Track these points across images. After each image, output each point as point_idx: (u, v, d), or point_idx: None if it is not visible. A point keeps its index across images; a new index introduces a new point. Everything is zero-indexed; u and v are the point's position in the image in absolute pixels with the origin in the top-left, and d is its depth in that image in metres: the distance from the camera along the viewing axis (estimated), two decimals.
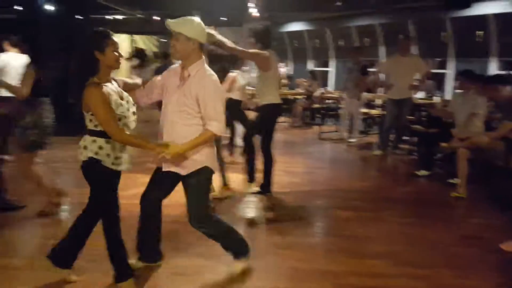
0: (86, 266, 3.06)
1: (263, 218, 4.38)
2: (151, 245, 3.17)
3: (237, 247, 3.15)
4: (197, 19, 2.80)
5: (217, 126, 2.77)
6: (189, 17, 2.80)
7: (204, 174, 2.90)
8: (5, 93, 5.71)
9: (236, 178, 5.20)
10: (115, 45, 2.72)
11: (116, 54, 2.73)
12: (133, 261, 3.05)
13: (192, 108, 2.76)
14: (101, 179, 2.78)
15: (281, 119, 10.79)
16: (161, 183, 3.03)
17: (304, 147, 7.89)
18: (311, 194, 5.12)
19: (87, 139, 2.72)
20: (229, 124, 6.26)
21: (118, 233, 2.88)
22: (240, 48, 4.31)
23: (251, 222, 4.29)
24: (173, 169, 2.88)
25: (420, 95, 8.14)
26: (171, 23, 2.74)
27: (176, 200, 3.96)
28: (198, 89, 2.73)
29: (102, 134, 2.68)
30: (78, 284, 2.94)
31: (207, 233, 3.06)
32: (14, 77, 5.83)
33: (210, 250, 3.51)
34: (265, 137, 4.76)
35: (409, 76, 6.88)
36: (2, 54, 5.79)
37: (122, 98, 2.76)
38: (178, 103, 2.78)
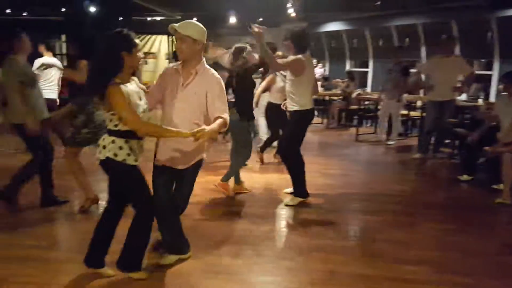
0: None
1: (298, 219, 4.35)
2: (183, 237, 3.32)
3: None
4: (198, 23, 2.98)
5: (228, 117, 2.97)
6: (192, 21, 2.98)
7: (199, 165, 3.17)
8: (51, 94, 6.00)
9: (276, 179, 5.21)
10: (139, 47, 2.82)
11: (140, 56, 2.85)
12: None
13: (198, 104, 2.96)
14: (125, 177, 2.87)
15: (316, 120, 10.76)
16: (166, 181, 3.12)
17: (340, 149, 7.79)
18: (346, 196, 5.04)
19: (106, 138, 2.80)
20: (270, 127, 6.25)
21: (151, 227, 2.97)
22: (276, 60, 4.38)
23: (286, 224, 4.28)
24: (174, 164, 3.04)
25: (463, 97, 7.86)
26: (177, 26, 2.88)
27: (205, 198, 4.01)
28: (207, 86, 2.96)
29: (121, 134, 2.75)
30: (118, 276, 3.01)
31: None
32: (53, 79, 6.12)
33: (240, 249, 3.54)
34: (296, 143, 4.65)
35: (451, 78, 6.66)
36: (39, 58, 6.09)
37: (140, 99, 2.84)
38: (186, 100, 2.95)
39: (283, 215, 4.44)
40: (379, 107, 8.85)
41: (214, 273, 3.17)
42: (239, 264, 3.31)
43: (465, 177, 5.70)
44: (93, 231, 3.06)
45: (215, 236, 3.81)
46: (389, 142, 8.11)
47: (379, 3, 9.47)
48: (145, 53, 14.24)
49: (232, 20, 12.39)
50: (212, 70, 3.04)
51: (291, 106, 4.55)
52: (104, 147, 2.79)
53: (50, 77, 6.06)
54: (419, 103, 8.78)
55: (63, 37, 6.70)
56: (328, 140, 8.65)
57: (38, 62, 6.02)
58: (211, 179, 5.50)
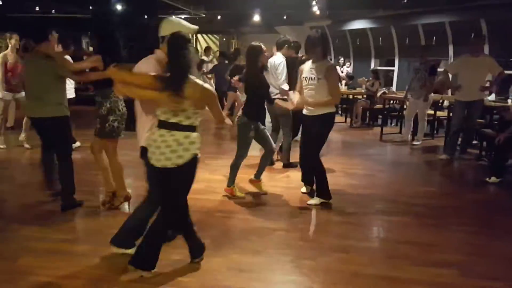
0: None
1: (321, 219, 4.33)
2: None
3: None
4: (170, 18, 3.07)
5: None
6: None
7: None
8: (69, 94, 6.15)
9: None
10: None
11: None
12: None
13: None
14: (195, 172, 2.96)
15: (340, 119, 10.67)
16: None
17: (364, 148, 7.70)
18: (370, 197, 4.98)
19: (191, 135, 2.85)
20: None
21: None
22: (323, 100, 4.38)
23: (309, 224, 4.26)
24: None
25: (492, 97, 7.66)
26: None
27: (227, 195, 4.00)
28: None
29: (196, 129, 2.89)
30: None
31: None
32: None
33: (263, 247, 3.54)
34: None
35: (480, 77, 6.51)
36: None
37: None
38: None
39: (306, 214, 4.42)
40: (404, 106, 8.71)
41: (238, 270, 3.19)
42: (261, 262, 3.32)
43: (493, 179, 5.56)
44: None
45: (237, 234, 3.82)
46: (415, 143, 7.98)
47: (405, 0, 9.32)
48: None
49: (256, 18, 12.40)
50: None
51: (313, 110, 4.45)
52: (192, 143, 2.85)
53: None
54: (446, 103, 8.60)
55: (89, 34, 6.87)
56: (352, 139, 8.57)
57: None
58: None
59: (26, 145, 6.69)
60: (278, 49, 5.94)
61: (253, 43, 4.66)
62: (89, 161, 6.20)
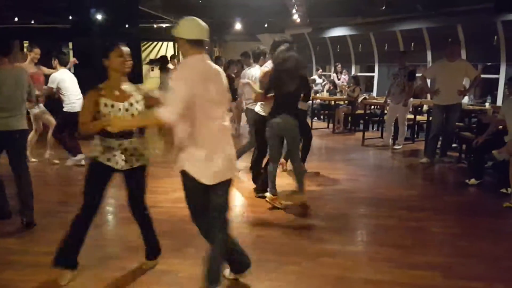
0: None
1: (305, 224, 4.35)
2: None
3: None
4: (190, 18, 2.74)
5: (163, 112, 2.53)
6: (184, 19, 2.77)
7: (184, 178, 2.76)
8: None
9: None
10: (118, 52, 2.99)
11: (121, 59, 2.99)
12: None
13: None
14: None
15: (323, 124, 10.77)
16: None
17: (346, 153, 7.78)
18: (354, 201, 5.04)
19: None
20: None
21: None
22: None
23: (293, 229, 4.28)
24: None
25: (466, 100, 7.82)
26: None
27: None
28: None
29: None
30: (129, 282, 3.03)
31: None
32: (74, 91, 6.21)
33: (248, 253, 3.54)
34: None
35: (457, 81, 6.66)
36: (56, 74, 6.19)
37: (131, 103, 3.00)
38: None
39: (290, 220, 4.44)
40: (385, 111, 8.85)
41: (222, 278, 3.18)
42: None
43: (472, 181, 5.68)
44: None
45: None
46: (396, 147, 8.10)
47: (384, 8, 9.48)
48: (151, 60, 14.34)
49: (238, 26, 12.47)
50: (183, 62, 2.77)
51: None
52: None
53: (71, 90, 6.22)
54: (425, 107, 8.76)
55: (70, 45, 6.82)
56: (334, 145, 8.65)
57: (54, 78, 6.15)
58: None
59: (55, 161, 6.56)
60: (255, 60, 5.76)
61: (277, 38, 4.73)
62: (72, 172, 6.16)
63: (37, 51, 6.18)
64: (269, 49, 4.93)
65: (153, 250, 3.36)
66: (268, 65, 5.02)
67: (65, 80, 6.12)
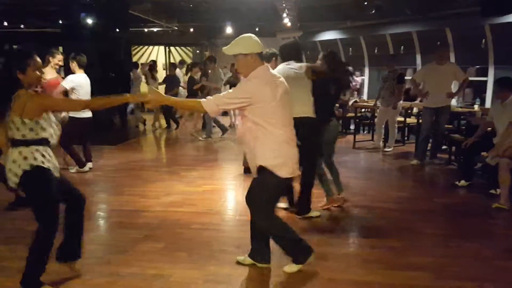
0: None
1: (296, 227, 4.36)
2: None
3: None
4: (247, 35, 3.16)
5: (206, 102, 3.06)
6: (241, 37, 3.17)
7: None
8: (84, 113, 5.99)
9: None
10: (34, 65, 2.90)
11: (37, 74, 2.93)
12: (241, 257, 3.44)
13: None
14: None
15: None
16: None
17: (337, 156, 7.70)
18: (346, 204, 5.05)
19: None
20: None
21: None
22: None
23: None
24: None
25: (454, 102, 7.90)
26: (226, 49, 3.12)
27: (203, 207, 4.02)
28: None
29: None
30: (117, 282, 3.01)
31: None
32: (87, 97, 6.10)
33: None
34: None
35: (446, 84, 6.74)
36: (73, 76, 6.05)
37: None
38: None
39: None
40: (375, 114, 8.90)
41: (215, 282, 3.18)
42: (239, 273, 3.32)
43: (462, 182, 5.73)
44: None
45: (214, 245, 3.81)
46: (387, 149, 8.15)
47: (373, 12, 9.57)
48: (142, 64, 14.32)
49: (228, 30, 12.49)
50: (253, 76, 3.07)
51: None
52: None
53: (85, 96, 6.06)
54: (415, 110, 8.84)
55: (61, 49, 6.79)
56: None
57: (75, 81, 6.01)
58: (208, 188, 5.55)
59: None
60: (266, 62, 5.84)
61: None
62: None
63: (59, 57, 5.99)
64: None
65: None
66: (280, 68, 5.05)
67: (82, 85, 5.98)
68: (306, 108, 4.19)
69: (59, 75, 6.04)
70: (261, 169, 3.07)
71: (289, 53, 4.49)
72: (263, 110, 2.96)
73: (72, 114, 5.86)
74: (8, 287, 3.08)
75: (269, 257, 3.37)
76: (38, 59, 2.92)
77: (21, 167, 2.83)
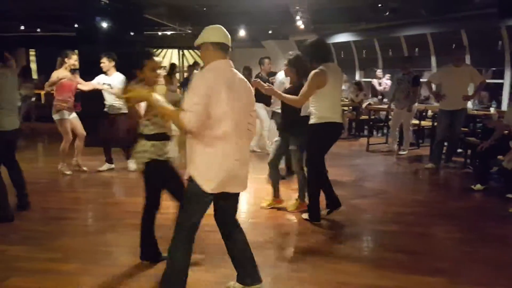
0: None
1: (310, 230, 4.34)
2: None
3: None
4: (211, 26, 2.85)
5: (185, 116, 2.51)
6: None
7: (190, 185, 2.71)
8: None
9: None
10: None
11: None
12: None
13: None
14: None
15: None
16: None
17: (351, 159, 7.77)
18: (359, 207, 5.02)
19: None
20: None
21: None
22: (293, 98, 4.20)
23: (297, 234, 4.27)
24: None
25: (469, 105, 7.80)
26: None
27: None
28: None
29: None
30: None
31: None
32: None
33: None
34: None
35: (463, 87, 6.65)
36: (105, 76, 6.23)
37: None
38: None
39: (297, 227, 4.43)
40: (389, 117, 8.83)
41: (220, 283, 3.18)
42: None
43: (478, 186, 5.65)
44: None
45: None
46: (401, 152, 8.08)
47: (387, 13, 9.49)
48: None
49: (242, 33, 12.52)
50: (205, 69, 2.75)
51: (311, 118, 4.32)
52: None
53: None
54: (430, 113, 8.74)
55: (76, 53, 6.89)
56: (338, 150, 8.60)
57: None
58: None
59: (84, 168, 6.51)
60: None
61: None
62: (79, 179, 6.19)
63: (75, 57, 6.03)
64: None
65: None
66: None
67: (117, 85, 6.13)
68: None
69: (74, 76, 6.08)
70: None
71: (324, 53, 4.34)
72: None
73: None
74: None
75: (259, 275, 2.99)
76: (157, 60, 3.21)
77: None
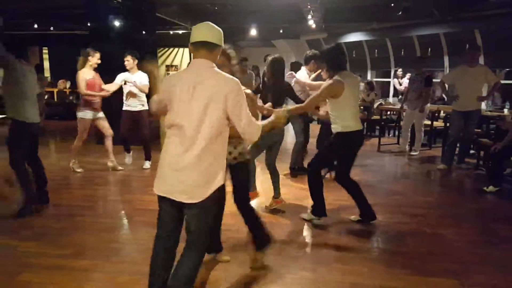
0: None
1: (319, 230, 4.32)
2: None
3: None
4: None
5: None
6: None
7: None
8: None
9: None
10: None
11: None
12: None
13: None
14: None
15: None
16: None
17: (362, 159, 7.69)
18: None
19: None
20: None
21: None
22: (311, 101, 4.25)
23: (307, 234, 4.25)
24: None
25: (486, 106, 7.71)
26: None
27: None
28: None
29: None
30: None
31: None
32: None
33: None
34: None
35: (476, 87, 6.57)
36: (128, 74, 6.31)
37: None
38: None
39: (305, 226, 4.42)
40: (401, 117, 8.76)
41: (236, 283, 3.18)
42: (260, 274, 3.31)
43: (490, 188, 5.58)
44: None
45: (235, 246, 3.81)
46: (413, 153, 8.01)
47: (400, 13, 9.42)
48: (167, 66, 14.49)
49: (253, 32, 12.52)
50: None
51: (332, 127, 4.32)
52: None
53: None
54: (442, 113, 8.66)
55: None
56: None
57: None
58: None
59: (120, 167, 6.55)
60: (305, 64, 6.32)
61: (276, 55, 4.97)
62: (91, 176, 6.24)
63: (97, 55, 6.06)
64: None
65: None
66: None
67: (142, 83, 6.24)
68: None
69: (96, 74, 6.13)
70: None
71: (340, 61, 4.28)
72: None
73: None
74: (36, 283, 3.15)
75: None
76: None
77: None
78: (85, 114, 6.08)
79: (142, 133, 6.49)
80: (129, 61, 6.23)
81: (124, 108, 6.39)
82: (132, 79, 6.24)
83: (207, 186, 2.43)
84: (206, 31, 2.47)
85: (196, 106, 2.37)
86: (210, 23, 2.49)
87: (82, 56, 6.04)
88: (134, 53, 6.27)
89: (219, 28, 2.50)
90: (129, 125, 6.40)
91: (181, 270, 2.52)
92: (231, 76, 2.46)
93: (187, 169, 2.40)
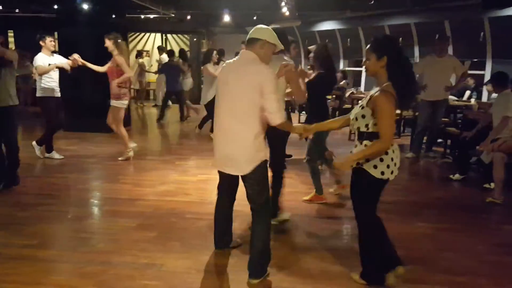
0: None
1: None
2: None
3: None
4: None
5: None
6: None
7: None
8: None
9: None
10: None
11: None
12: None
13: None
14: None
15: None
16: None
17: (333, 148, 7.71)
18: (337, 196, 5.03)
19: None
20: None
21: None
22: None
23: (283, 225, 4.28)
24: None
25: (453, 96, 7.89)
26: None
27: (198, 197, 3.99)
28: None
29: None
30: (110, 277, 3.00)
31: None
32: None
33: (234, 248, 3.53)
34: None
35: (445, 77, 6.71)
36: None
37: None
38: None
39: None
40: None
41: (208, 272, 3.18)
42: (232, 263, 3.32)
43: (457, 176, 5.74)
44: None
45: (208, 235, 3.79)
46: None
47: (372, 2, 9.49)
48: (139, 51, 14.20)
49: (226, 18, 12.38)
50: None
51: None
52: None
53: None
54: None
55: (56, 35, 6.68)
56: None
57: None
58: (203, 178, 5.53)
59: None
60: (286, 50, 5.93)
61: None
62: (54, 164, 6.08)
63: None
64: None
65: None
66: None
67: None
68: None
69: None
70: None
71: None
72: None
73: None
74: (0, 274, 3.06)
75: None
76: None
77: None
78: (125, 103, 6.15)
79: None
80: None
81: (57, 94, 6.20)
82: (53, 61, 6.01)
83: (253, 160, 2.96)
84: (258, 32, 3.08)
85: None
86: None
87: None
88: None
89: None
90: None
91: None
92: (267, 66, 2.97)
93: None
